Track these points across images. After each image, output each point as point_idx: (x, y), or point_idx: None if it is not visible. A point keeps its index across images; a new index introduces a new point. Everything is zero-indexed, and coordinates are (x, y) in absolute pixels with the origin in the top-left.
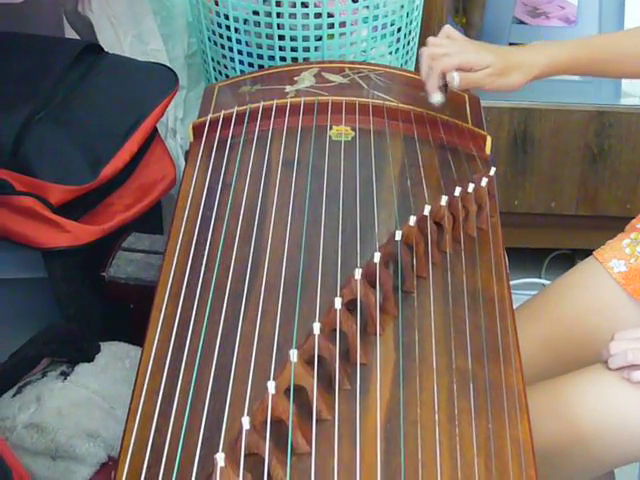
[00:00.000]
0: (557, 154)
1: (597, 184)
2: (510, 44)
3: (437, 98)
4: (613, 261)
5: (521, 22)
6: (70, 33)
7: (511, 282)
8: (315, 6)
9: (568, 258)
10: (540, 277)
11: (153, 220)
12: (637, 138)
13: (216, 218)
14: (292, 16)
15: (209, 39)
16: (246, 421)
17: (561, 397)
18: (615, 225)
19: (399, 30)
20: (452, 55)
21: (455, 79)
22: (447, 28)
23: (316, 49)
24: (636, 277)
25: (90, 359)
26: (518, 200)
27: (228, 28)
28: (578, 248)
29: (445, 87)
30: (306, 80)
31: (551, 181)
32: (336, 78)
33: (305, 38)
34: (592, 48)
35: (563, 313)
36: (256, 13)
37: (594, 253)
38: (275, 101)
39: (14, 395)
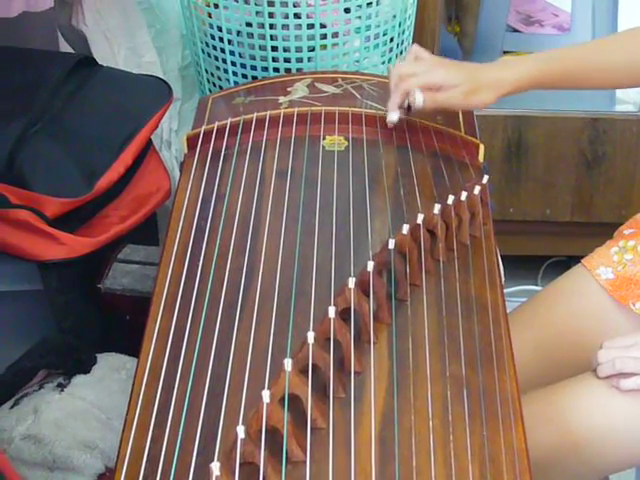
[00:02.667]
0: (551, 161)
1: (592, 191)
2: (504, 52)
3: (393, 118)
4: (601, 268)
5: (515, 30)
6: (64, 47)
7: (507, 290)
8: (308, 17)
9: (564, 265)
10: (536, 284)
11: (148, 231)
12: (631, 145)
13: (210, 229)
14: (285, 27)
15: (203, 51)
16: (241, 430)
17: (554, 405)
18: (610, 231)
19: (392, 40)
20: (419, 75)
21: (418, 99)
22: (415, 48)
23: (309, 60)
24: (623, 284)
25: (86, 371)
26: (513, 207)
27: (221, 40)
28: (574, 255)
29: (409, 107)
30: (299, 91)
31: (546, 188)
32: (329, 88)
33: (298, 49)
34: (564, 62)
35: (553, 319)
36: (249, 25)
37: (582, 261)
38: (268, 112)
39: (11, 407)
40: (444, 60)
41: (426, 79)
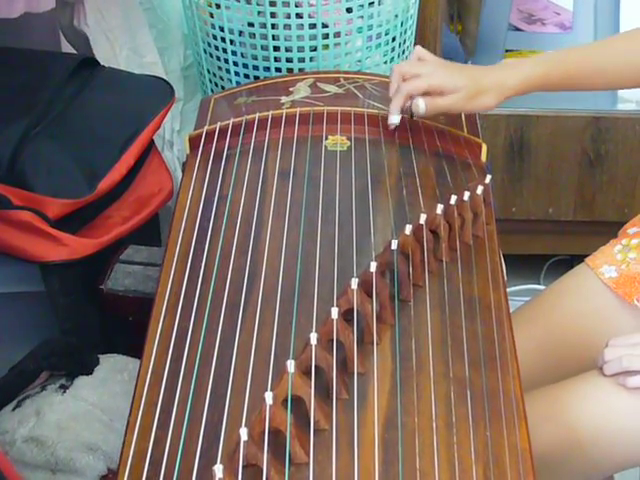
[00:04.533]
0: (554, 160)
1: (594, 189)
2: (506, 51)
3: (395, 120)
4: (604, 267)
5: (517, 29)
6: (66, 47)
7: (510, 289)
8: (310, 17)
9: (567, 264)
10: (539, 283)
11: (151, 232)
12: (634, 143)
13: (213, 229)
14: (287, 27)
15: (205, 51)
16: (244, 432)
17: (558, 404)
18: (613, 230)
19: (394, 39)
20: (422, 77)
21: (420, 106)
22: (418, 50)
23: (311, 59)
24: (627, 282)
25: (89, 372)
26: (516, 207)
27: (223, 40)
28: (576, 254)
29: (411, 114)
30: (301, 91)
31: (548, 187)
32: (331, 88)
33: (300, 49)
34: (565, 65)
35: (556, 318)
36: (251, 25)
37: (586, 259)
38: (271, 112)
39: (13, 409)
40: (447, 62)
41: (428, 81)
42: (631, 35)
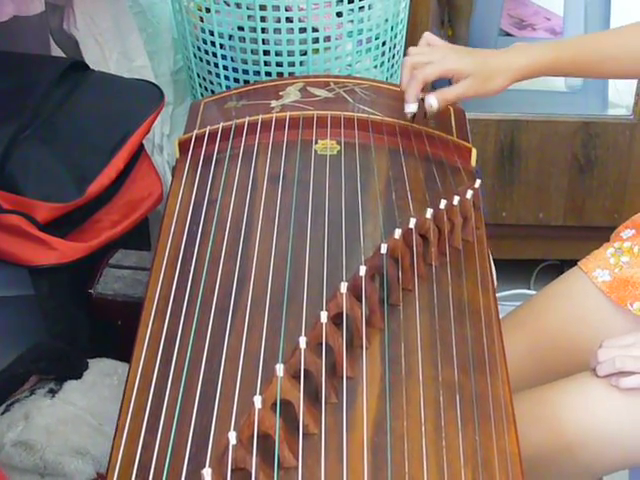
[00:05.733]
0: (544, 165)
1: (584, 195)
2: None
3: (413, 108)
4: (597, 271)
5: (507, 34)
6: (56, 51)
7: (500, 294)
8: (300, 21)
9: (557, 269)
10: (529, 288)
11: (140, 236)
12: (624, 148)
13: (202, 233)
14: (277, 31)
15: (194, 55)
16: (233, 436)
17: (547, 405)
18: (603, 235)
19: (384, 44)
20: (435, 63)
21: (433, 105)
22: (427, 35)
23: (301, 64)
24: (620, 286)
25: (78, 376)
26: (506, 212)
27: (213, 44)
28: (567, 259)
29: (425, 114)
30: (291, 95)
31: (538, 192)
32: (321, 92)
33: (290, 53)
34: (574, 50)
35: (548, 322)
36: (241, 29)
37: (579, 263)
38: (260, 116)
39: (2, 413)
40: (456, 47)
41: (442, 68)
42: None
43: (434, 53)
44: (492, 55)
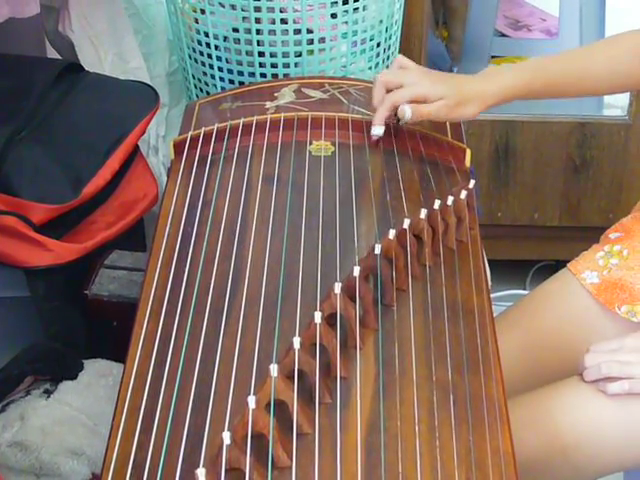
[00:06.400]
0: (539, 166)
1: (579, 195)
2: (492, 57)
3: (378, 131)
4: (586, 272)
5: (503, 35)
6: (51, 53)
7: (496, 294)
8: (294, 22)
9: (552, 269)
10: (525, 288)
11: (135, 237)
12: (619, 149)
13: (197, 234)
14: (271, 33)
15: (189, 56)
16: (227, 436)
17: (541, 409)
18: (598, 235)
19: (378, 45)
20: (406, 86)
21: (407, 113)
22: (400, 58)
23: (296, 65)
24: (608, 288)
25: (73, 377)
26: (501, 212)
27: (208, 45)
28: (562, 259)
29: (397, 119)
30: (286, 96)
31: (534, 193)
32: (316, 94)
33: (285, 54)
34: (547, 73)
35: (539, 323)
36: (236, 30)
37: (568, 265)
38: (255, 117)
39: None
40: (429, 71)
41: (412, 91)
42: (613, 41)
43: (406, 76)
44: (464, 81)
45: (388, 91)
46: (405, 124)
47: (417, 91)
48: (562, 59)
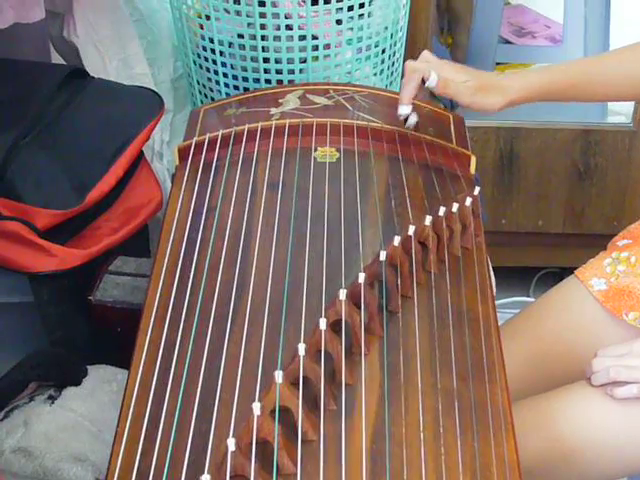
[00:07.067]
0: (544, 173)
1: (584, 202)
2: (496, 64)
3: (406, 110)
4: (594, 279)
5: (507, 42)
6: (56, 58)
7: (500, 301)
8: (299, 28)
9: (556, 276)
10: (528, 296)
11: (140, 243)
12: (623, 156)
13: (202, 241)
14: (277, 39)
15: (194, 62)
16: (231, 443)
17: (545, 413)
18: (603, 243)
19: (383, 51)
20: (432, 66)
21: (432, 77)
22: (425, 53)
23: (301, 71)
24: (616, 295)
25: (77, 383)
26: (505, 219)
27: (213, 51)
28: (566, 266)
29: (423, 81)
30: (291, 102)
31: (538, 200)
32: (321, 100)
33: (290, 60)
34: (568, 75)
35: (545, 330)
36: (241, 36)
37: (575, 272)
38: (260, 123)
39: (1, 420)
40: (453, 63)
41: (438, 71)
42: (633, 48)
43: (433, 65)
44: (490, 75)
45: None
46: (427, 92)
47: (442, 73)
48: (583, 63)
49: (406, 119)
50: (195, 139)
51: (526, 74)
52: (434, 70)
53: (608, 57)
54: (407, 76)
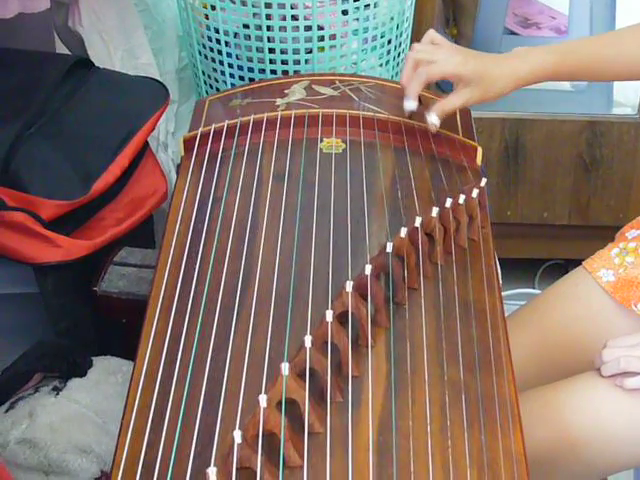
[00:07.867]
0: (549, 164)
1: (589, 194)
2: None
3: (412, 105)
4: (602, 271)
5: (512, 33)
6: (61, 48)
7: (504, 293)
8: (305, 19)
9: (561, 268)
10: (534, 287)
11: (145, 234)
12: (629, 147)
13: (207, 232)
14: (282, 29)
15: (200, 53)
16: (238, 435)
17: (553, 404)
18: (608, 235)
19: (389, 42)
20: (439, 63)
21: (436, 124)
22: (432, 33)
23: (306, 62)
24: (624, 286)
25: (82, 374)
26: (510, 210)
27: (218, 42)
28: (571, 258)
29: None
30: (297, 93)
31: (543, 191)
32: (327, 90)
33: (295, 51)
34: (576, 55)
35: (552, 322)
36: (246, 26)
37: (583, 263)
38: (266, 114)
39: (6, 411)
40: (460, 48)
41: (444, 69)
42: None
43: (438, 52)
44: (495, 60)
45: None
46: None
47: (449, 70)
48: (591, 42)
49: (411, 114)
50: (200, 130)
51: (532, 55)
52: (433, 113)
53: (621, 35)
54: (411, 68)
